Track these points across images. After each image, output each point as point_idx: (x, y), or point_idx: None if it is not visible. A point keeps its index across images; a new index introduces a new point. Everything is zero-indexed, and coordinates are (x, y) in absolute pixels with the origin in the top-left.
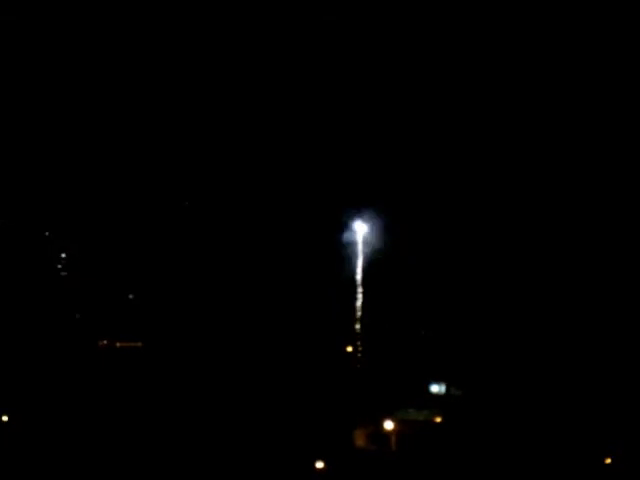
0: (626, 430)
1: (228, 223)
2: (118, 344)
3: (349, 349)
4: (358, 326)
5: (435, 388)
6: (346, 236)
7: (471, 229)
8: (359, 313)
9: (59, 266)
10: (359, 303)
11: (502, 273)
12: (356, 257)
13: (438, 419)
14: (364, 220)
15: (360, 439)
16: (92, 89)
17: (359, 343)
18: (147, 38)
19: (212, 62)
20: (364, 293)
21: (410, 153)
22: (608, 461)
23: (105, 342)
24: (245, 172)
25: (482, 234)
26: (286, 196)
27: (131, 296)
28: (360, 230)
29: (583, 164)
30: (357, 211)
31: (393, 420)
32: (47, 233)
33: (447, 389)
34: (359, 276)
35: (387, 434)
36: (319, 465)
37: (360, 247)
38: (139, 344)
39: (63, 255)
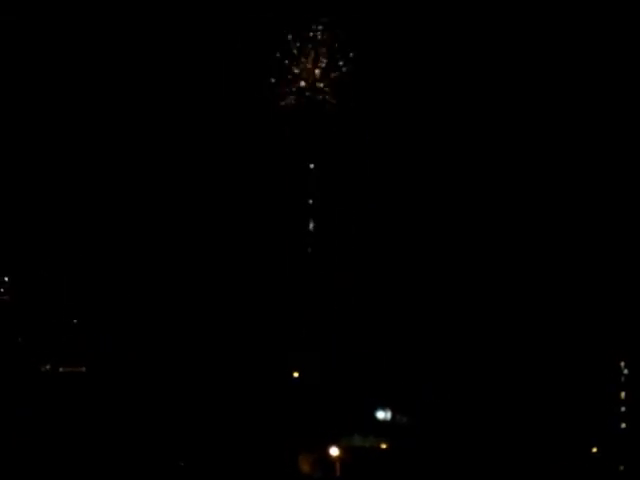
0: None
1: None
2: (61, 369)
3: (295, 374)
4: (304, 351)
5: (381, 414)
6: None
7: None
8: (305, 337)
9: (1, 290)
10: (304, 327)
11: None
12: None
13: (384, 445)
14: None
15: (305, 465)
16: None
17: (305, 367)
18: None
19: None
20: (311, 317)
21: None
22: None
23: (48, 367)
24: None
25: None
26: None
27: (75, 321)
28: None
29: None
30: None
31: (338, 446)
32: None
33: (392, 415)
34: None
35: (332, 460)
36: None
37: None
38: (83, 369)
39: (6, 279)
